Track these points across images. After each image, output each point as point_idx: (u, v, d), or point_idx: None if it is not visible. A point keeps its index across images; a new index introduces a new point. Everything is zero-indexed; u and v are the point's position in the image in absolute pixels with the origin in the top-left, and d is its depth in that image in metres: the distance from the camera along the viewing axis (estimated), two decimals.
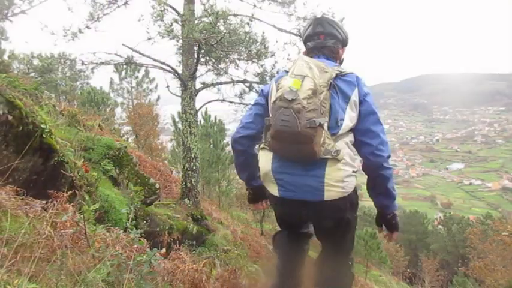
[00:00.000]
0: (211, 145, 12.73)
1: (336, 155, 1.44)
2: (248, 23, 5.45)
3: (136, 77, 15.10)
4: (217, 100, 6.48)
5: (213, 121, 13.14)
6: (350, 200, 1.59)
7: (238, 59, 6.08)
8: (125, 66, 13.25)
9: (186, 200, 5.85)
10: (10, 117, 1.90)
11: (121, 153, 3.88)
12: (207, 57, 5.99)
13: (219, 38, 5.02)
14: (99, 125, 5.80)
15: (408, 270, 17.07)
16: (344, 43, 1.78)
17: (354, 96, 1.51)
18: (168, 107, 14.88)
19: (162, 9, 5.05)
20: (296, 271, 1.84)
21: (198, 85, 6.15)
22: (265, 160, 1.58)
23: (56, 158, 2.25)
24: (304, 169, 1.48)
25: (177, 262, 2.27)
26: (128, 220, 1.91)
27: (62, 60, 6.26)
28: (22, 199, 1.68)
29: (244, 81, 6.29)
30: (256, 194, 1.86)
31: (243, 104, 6.50)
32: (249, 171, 1.77)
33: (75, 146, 3.21)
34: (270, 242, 8.56)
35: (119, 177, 3.71)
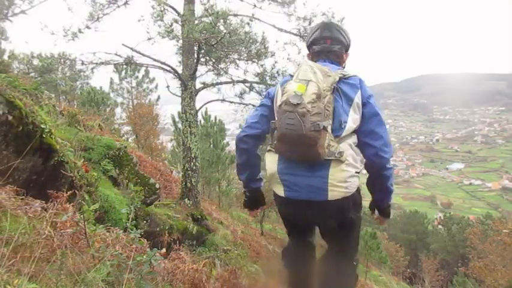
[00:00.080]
0: (211, 145, 12.73)
1: (339, 157, 1.49)
2: (248, 23, 5.45)
3: (136, 77, 15.10)
4: (217, 100, 6.48)
5: (213, 121, 13.15)
6: (353, 200, 1.62)
7: (238, 59, 6.09)
8: (125, 66, 13.25)
9: (186, 200, 5.85)
10: (10, 117, 1.90)
11: (121, 153, 3.88)
12: (207, 57, 5.99)
13: (219, 38, 5.02)
14: (99, 125, 5.80)
15: (408, 270, 17.08)
16: (347, 48, 1.83)
17: (357, 99, 1.56)
18: (168, 107, 14.89)
19: (162, 9, 5.05)
20: (308, 285, 1.87)
21: (198, 85, 6.16)
22: (271, 162, 1.64)
23: (56, 158, 2.25)
24: (308, 170, 1.53)
25: (177, 262, 2.27)
26: (128, 220, 1.91)
27: (62, 60, 6.26)
28: (22, 199, 1.68)
29: (244, 81, 6.30)
30: (253, 197, 1.90)
31: (243, 104, 6.50)
32: (249, 171, 1.80)
33: (75, 146, 3.21)
34: (270, 242, 8.54)
35: (119, 177, 3.71)
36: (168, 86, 5.87)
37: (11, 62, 8.73)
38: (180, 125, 10.31)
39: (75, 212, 1.67)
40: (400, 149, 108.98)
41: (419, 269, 17.51)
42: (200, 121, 12.36)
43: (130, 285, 1.46)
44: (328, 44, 1.74)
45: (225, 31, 5.14)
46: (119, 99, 15.21)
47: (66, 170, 2.33)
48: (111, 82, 14.79)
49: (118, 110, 15.62)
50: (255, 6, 5.70)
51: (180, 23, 5.39)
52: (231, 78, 6.30)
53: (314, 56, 1.77)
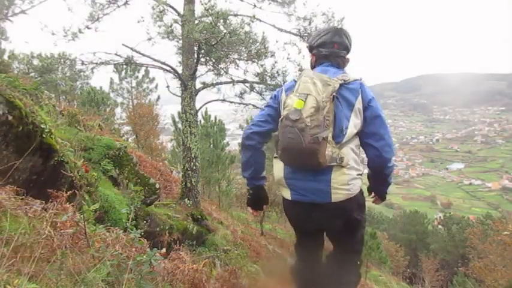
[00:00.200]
0: (211, 145, 12.73)
1: (340, 162, 1.58)
2: (249, 24, 5.45)
3: (136, 77, 15.10)
4: (217, 100, 6.48)
5: (213, 121, 13.15)
6: (357, 201, 1.71)
7: (238, 59, 6.08)
8: (124, 66, 13.26)
9: (186, 200, 5.85)
10: (10, 117, 1.90)
11: (121, 153, 3.88)
12: (207, 57, 5.99)
13: (219, 38, 5.02)
14: (99, 125, 5.80)
15: (408, 270, 17.08)
16: (349, 52, 1.91)
17: (358, 104, 1.63)
18: (168, 107, 14.90)
19: (162, 9, 5.04)
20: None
21: (198, 85, 6.16)
22: (278, 168, 1.75)
23: (56, 158, 2.25)
24: (312, 175, 1.62)
25: (177, 262, 2.27)
26: (128, 220, 1.91)
27: (62, 60, 6.26)
28: (22, 199, 1.68)
29: (244, 81, 6.29)
30: (256, 195, 1.94)
31: (243, 104, 6.50)
32: (253, 168, 1.85)
33: (75, 146, 3.21)
34: (270, 242, 8.54)
35: (119, 177, 3.71)
36: (168, 86, 5.87)
37: (11, 62, 8.73)
38: (180, 125, 10.31)
39: (75, 212, 1.67)
40: (400, 149, 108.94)
41: (419, 269, 17.51)
42: (200, 121, 12.36)
43: (130, 285, 1.46)
44: (335, 49, 1.80)
45: (225, 31, 5.14)
46: (119, 99, 15.23)
47: (66, 170, 2.33)
48: (111, 82, 14.80)
49: (118, 110, 15.63)
50: (255, 6, 5.70)
51: (180, 23, 5.39)
52: (231, 78, 6.30)
53: (320, 58, 1.83)
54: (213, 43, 5.17)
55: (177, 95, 6.04)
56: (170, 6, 5.52)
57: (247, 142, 1.81)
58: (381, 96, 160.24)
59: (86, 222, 1.55)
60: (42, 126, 2.12)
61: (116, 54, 5.51)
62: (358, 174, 1.65)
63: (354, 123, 1.62)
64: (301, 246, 2.04)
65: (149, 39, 5.26)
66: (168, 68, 5.79)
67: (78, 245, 1.54)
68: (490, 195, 75.47)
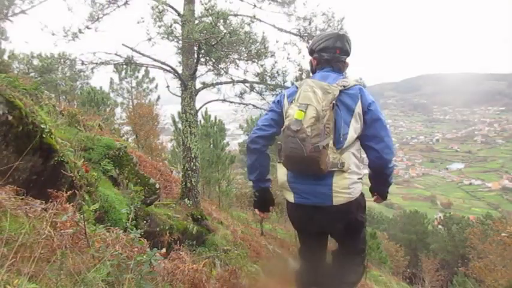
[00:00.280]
0: (211, 145, 12.73)
1: (341, 167, 1.64)
2: (249, 24, 5.44)
3: (136, 77, 15.09)
4: (217, 100, 6.48)
5: (213, 121, 13.15)
6: (357, 204, 1.77)
7: (238, 59, 6.08)
8: (124, 66, 13.26)
9: (186, 200, 5.85)
10: (10, 117, 1.90)
11: (121, 153, 3.88)
12: (207, 57, 5.98)
13: (219, 38, 5.01)
14: (99, 125, 5.80)
15: (408, 270, 17.06)
16: (349, 56, 1.97)
17: (358, 109, 1.68)
18: (168, 107, 14.89)
19: (162, 9, 5.04)
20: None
21: (198, 85, 6.15)
22: (281, 172, 1.82)
23: (56, 158, 2.25)
24: (314, 179, 1.68)
25: (177, 262, 2.27)
26: (128, 220, 1.91)
27: (62, 60, 6.26)
28: (22, 199, 1.68)
29: (244, 81, 6.29)
30: (262, 197, 1.99)
31: (243, 104, 6.50)
32: (259, 171, 1.91)
33: (75, 146, 3.21)
34: (270, 242, 8.53)
35: (119, 177, 3.71)
36: (168, 86, 5.87)
37: (11, 62, 8.73)
38: (180, 125, 10.31)
39: (75, 212, 1.67)
40: (400, 149, 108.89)
41: (419, 269, 17.50)
42: (200, 121, 12.36)
43: (130, 285, 1.46)
44: (337, 54, 1.86)
45: (225, 31, 5.14)
46: (119, 99, 15.22)
47: (66, 170, 2.34)
48: (111, 82, 14.80)
49: (118, 110, 15.63)
50: (255, 6, 5.70)
51: (180, 23, 5.39)
52: (231, 78, 6.30)
53: (321, 62, 1.88)
54: (213, 43, 5.17)
55: (177, 95, 6.04)
56: (170, 6, 5.52)
57: (252, 146, 1.87)
58: (381, 96, 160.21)
59: (86, 222, 1.55)
60: (42, 126, 2.12)
61: (116, 54, 5.50)
62: (358, 178, 1.71)
63: (354, 128, 1.67)
64: (304, 248, 2.08)
65: (149, 39, 5.25)
66: (168, 68, 5.79)
67: (78, 245, 1.54)
68: (490, 195, 75.43)
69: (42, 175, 2.16)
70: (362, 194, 1.79)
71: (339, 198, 1.67)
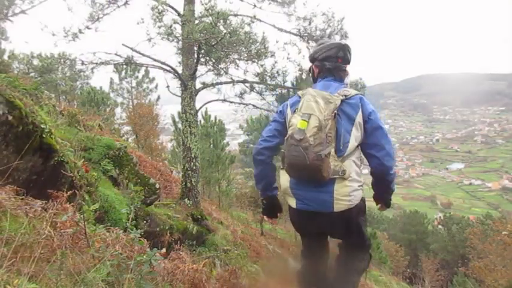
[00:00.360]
0: (211, 145, 12.72)
1: (342, 175, 1.70)
2: (249, 24, 5.44)
3: (136, 77, 15.09)
4: (217, 100, 6.48)
5: (213, 121, 13.15)
6: (358, 209, 1.82)
7: (238, 59, 6.08)
8: (124, 66, 13.25)
9: (186, 200, 5.85)
10: (10, 117, 1.90)
11: (121, 153, 3.88)
12: (207, 58, 5.98)
13: (219, 38, 5.01)
14: (99, 125, 5.80)
15: (408, 270, 17.07)
16: (349, 65, 2.04)
17: (359, 118, 1.75)
18: (168, 107, 14.89)
19: (161, 9, 5.04)
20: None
21: (198, 85, 6.15)
22: (284, 179, 1.87)
23: (56, 158, 2.25)
24: (316, 186, 1.74)
25: (177, 262, 2.27)
26: (128, 220, 1.91)
27: (62, 60, 6.26)
28: (22, 199, 1.68)
29: (244, 81, 6.29)
30: (270, 204, 2.07)
31: (243, 104, 6.50)
32: (265, 180, 2.00)
33: (75, 146, 3.21)
34: (270, 242, 8.52)
35: (119, 177, 3.71)
36: (168, 86, 5.87)
37: (11, 62, 8.73)
38: (180, 125, 10.30)
39: (75, 212, 1.67)
40: (400, 149, 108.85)
41: (419, 269, 17.50)
42: (200, 121, 12.36)
43: (130, 285, 1.46)
44: (339, 63, 1.93)
45: (225, 31, 5.14)
46: (119, 99, 15.23)
47: (66, 170, 2.33)
48: (111, 82, 14.80)
49: (118, 110, 15.63)
50: (255, 6, 5.70)
51: (180, 23, 5.39)
52: (231, 78, 6.30)
53: (323, 71, 1.94)
54: (213, 43, 5.17)
55: (177, 95, 6.04)
56: (170, 6, 5.52)
57: (258, 157, 1.95)
58: (381, 96, 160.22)
59: (86, 222, 1.55)
60: (42, 126, 2.12)
61: (116, 54, 5.50)
62: (359, 186, 1.77)
63: (354, 137, 1.74)
64: (306, 249, 2.15)
65: (149, 39, 5.25)
66: (168, 68, 5.79)
67: (78, 245, 1.54)
68: (490, 195, 75.42)
69: (42, 175, 2.16)
70: (363, 199, 1.84)
71: (339, 205, 1.72)
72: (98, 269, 1.43)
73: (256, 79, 6.21)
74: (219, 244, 5.17)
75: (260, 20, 5.71)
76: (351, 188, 1.72)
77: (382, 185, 1.90)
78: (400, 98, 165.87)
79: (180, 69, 5.87)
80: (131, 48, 5.44)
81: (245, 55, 5.91)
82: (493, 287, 9.32)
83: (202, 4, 4.89)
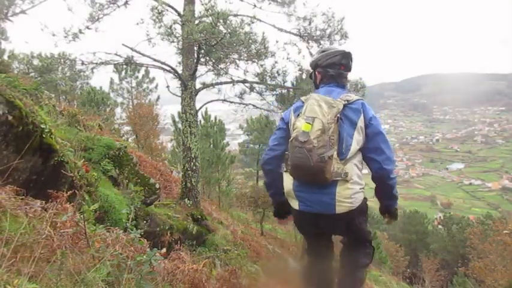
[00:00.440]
0: (211, 145, 12.74)
1: (345, 177, 1.74)
2: (249, 24, 5.44)
3: (136, 77, 15.10)
4: (217, 100, 6.48)
5: (213, 121, 13.16)
6: (359, 210, 1.86)
7: (238, 59, 6.08)
8: (124, 66, 13.26)
9: (186, 200, 5.85)
10: (10, 117, 1.90)
11: (121, 153, 3.88)
12: (207, 58, 5.99)
13: (219, 38, 5.01)
14: (99, 125, 5.80)
15: (408, 270, 17.05)
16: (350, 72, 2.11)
17: (360, 122, 1.80)
18: (168, 107, 14.90)
19: (161, 10, 5.03)
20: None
21: (198, 85, 6.15)
22: (287, 181, 1.92)
23: (56, 158, 2.25)
24: (318, 188, 1.78)
25: (177, 262, 2.27)
26: (128, 220, 1.91)
27: (62, 60, 6.26)
28: (22, 199, 1.68)
29: (244, 81, 6.30)
30: (280, 208, 2.14)
31: (243, 104, 6.50)
32: (275, 188, 2.06)
33: (75, 146, 3.21)
34: (270, 242, 8.52)
35: (119, 177, 3.71)
36: (168, 86, 5.88)
37: (11, 62, 8.74)
38: (180, 125, 10.31)
39: (75, 212, 1.67)
40: (400, 149, 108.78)
41: (419, 269, 17.49)
42: (200, 121, 12.37)
43: (130, 285, 1.46)
44: (342, 70, 2.00)
45: (225, 31, 5.13)
46: (119, 99, 15.25)
47: (66, 170, 2.34)
48: (111, 82, 14.82)
49: (118, 110, 15.65)
50: (255, 6, 5.70)
51: (180, 23, 5.39)
52: (231, 78, 6.30)
53: (327, 78, 2.00)
54: (213, 43, 5.17)
55: (177, 95, 6.04)
56: (170, 6, 5.52)
57: (267, 167, 2.04)
58: (380, 96, 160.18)
59: (86, 222, 1.55)
60: (42, 126, 2.12)
61: (116, 54, 5.51)
62: (360, 188, 1.81)
63: (356, 141, 1.78)
64: (310, 248, 2.20)
65: (149, 40, 5.25)
66: (168, 68, 5.79)
67: (78, 245, 1.54)
68: (490, 195, 75.39)
69: (42, 175, 2.16)
70: (364, 200, 1.88)
71: (341, 207, 1.77)
72: (98, 269, 1.43)
73: (256, 79, 6.22)
74: (219, 244, 5.17)
75: (260, 20, 5.71)
76: (352, 190, 1.76)
77: (385, 190, 1.93)
78: (400, 98, 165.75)
79: (180, 69, 5.88)
80: (131, 48, 5.45)
81: (245, 55, 5.91)
82: (493, 287, 9.32)
83: (202, 4, 4.90)
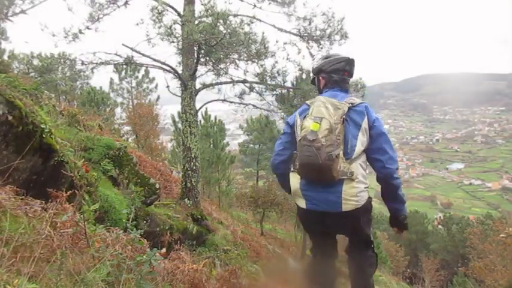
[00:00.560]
0: (211, 145, 12.74)
1: (350, 176, 1.81)
2: (249, 24, 5.44)
3: (136, 77, 15.10)
4: (217, 100, 6.48)
5: (213, 121, 13.17)
6: (364, 208, 1.91)
7: (238, 59, 6.08)
8: (124, 66, 13.26)
9: (186, 200, 5.85)
10: (10, 117, 1.90)
11: (121, 153, 3.88)
12: (207, 58, 5.99)
13: (219, 38, 5.01)
14: (99, 125, 5.80)
15: (408, 270, 17.05)
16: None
17: (364, 124, 1.88)
18: (168, 107, 14.91)
19: (161, 10, 5.03)
20: None
21: (198, 85, 6.15)
22: (294, 180, 1.98)
23: (56, 158, 2.25)
24: (325, 187, 1.84)
25: (177, 262, 2.27)
26: (128, 220, 1.91)
27: (62, 60, 6.26)
28: (22, 199, 1.68)
29: (244, 81, 6.29)
30: None
31: (243, 104, 6.50)
32: (288, 188, 2.13)
33: (75, 146, 3.21)
34: (270, 242, 8.51)
35: (119, 177, 3.71)
36: (168, 86, 5.87)
37: (11, 62, 8.74)
38: (180, 125, 10.31)
39: (75, 212, 1.67)
40: (400, 149, 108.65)
41: (419, 269, 17.48)
42: (200, 121, 12.37)
43: (130, 285, 1.46)
44: (345, 76, 2.10)
45: (225, 32, 5.13)
46: (119, 99, 15.25)
47: (66, 170, 2.34)
48: (111, 82, 14.81)
49: (118, 110, 15.65)
50: (255, 6, 5.70)
51: (180, 23, 5.39)
52: (231, 79, 6.30)
53: (331, 83, 2.08)
54: (213, 44, 5.17)
55: (177, 95, 6.04)
56: (170, 6, 5.52)
57: (277, 171, 2.15)
58: (381, 96, 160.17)
59: (86, 222, 1.55)
60: (42, 126, 2.12)
61: (116, 54, 5.51)
62: (365, 187, 1.88)
63: (361, 141, 1.86)
64: (315, 247, 2.25)
65: (149, 40, 5.24)
66: (168, 68, 5.79)
67: (78, 245, 1.55)
68: (490, 195, 75.38)
69: (42, 175, 2.16)
70: (369, 199, 1.93)
71: (347, 206, 1.82)
72: (98, 269, 1.43)
73: (256, 79, 6.22)
74: (219, 244, 5.18)
75: (260, 20, 5.71)
76: (358, 189, 1.82)
77: (389, 191, 1.97)
78: (400, 98, 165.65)
79: (180, 70, 5.88)
80: (131, 48, 5.45)
81: (245, 55, 5.91)
82: (493, 287, 9.31)
83: (202, 4, 4.90)
